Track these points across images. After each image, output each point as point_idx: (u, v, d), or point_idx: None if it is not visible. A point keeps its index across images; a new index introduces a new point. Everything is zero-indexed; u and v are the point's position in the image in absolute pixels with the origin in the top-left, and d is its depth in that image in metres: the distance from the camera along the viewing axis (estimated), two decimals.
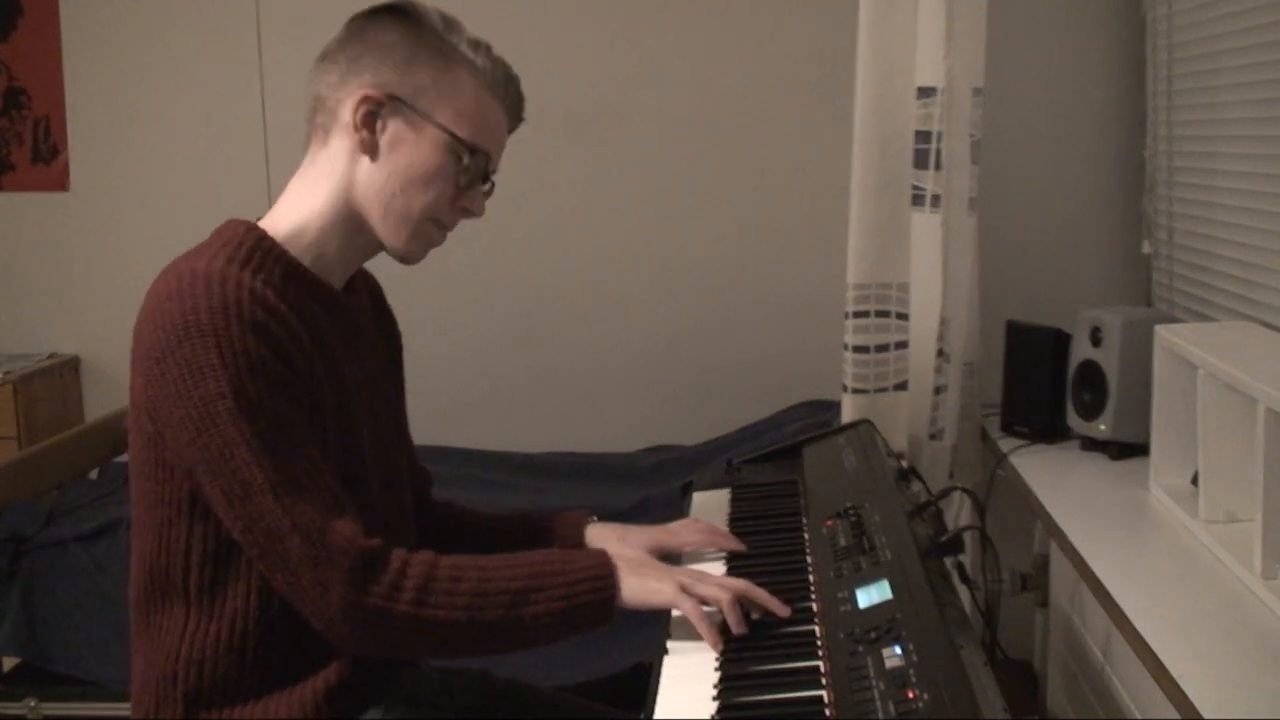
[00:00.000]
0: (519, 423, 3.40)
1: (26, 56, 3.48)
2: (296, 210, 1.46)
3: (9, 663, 2.73)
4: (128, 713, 1.47)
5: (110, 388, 3.48)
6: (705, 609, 1.40)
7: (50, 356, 3.50)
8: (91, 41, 3.45)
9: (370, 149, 1.43)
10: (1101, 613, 1.74)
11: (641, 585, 1.41)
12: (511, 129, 1.53)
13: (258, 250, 1.40)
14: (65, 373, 3.51)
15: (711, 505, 1.90)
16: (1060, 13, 2.90)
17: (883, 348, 2.44)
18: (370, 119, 1.42)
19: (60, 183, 3.52)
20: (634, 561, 1.45)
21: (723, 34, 3.28)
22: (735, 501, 1.90)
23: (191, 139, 3.41)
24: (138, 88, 3.42)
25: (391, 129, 1.43)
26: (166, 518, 1.38)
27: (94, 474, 3.20)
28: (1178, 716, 1.40)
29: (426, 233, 1.48)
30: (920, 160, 2.35)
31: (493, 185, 1.52)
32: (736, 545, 1.66)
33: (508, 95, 1.49)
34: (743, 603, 1.41)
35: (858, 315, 2.43)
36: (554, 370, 3.41)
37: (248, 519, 1.31)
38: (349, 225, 1.46)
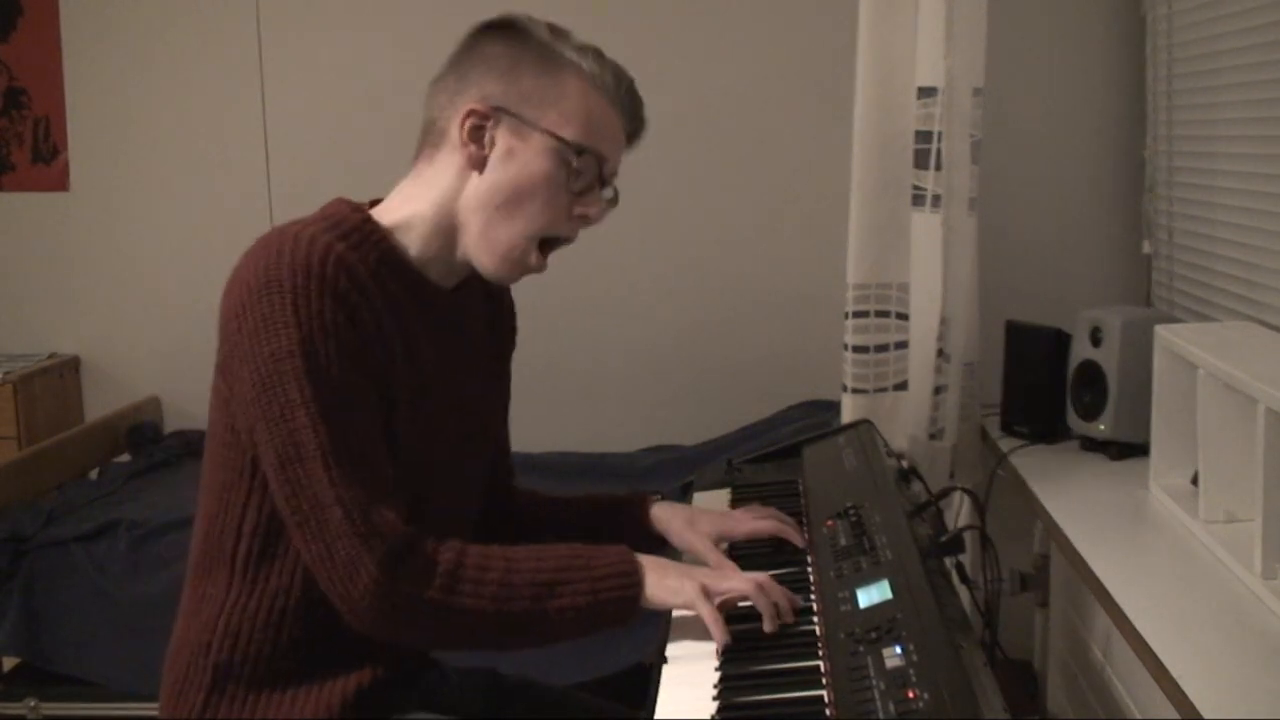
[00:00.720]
0: (519, 422, 3.37)
1: (26, 56, 3.48)
2: (403, 209, 1.45)
3: (9, 663, 2.74)
4: (127, 713, 1.47)
5: (110, 388, 3.48)
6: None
7: (50, 356, 3.50)
8: (91, 41, 3.45)
9: (479, 163, 1.42)
10: (1101, 613, 1.74)
11: (662, 585, 1.40)
12: (632, 133, 1.49)
13: (360, 229, 1.40)
14: (65, 373, 3.51)
15: (711, 505, 1.90)
16: (1060, 13, 2.90)
17: (883, 348, 2.44)
18: (477, 132, 1.41)
19: (60, 183, 3.52)
20: (656, 562, 1.44)
21: (723, 34, 3.28)
22: (735, 501, 1.89)
23: (191, 139, 3.41)
24: (138, 88, 3.42)
25: (500, 142, 1.42)
26: (228, 482, 1.38)
27: (94, 474, 3.20)
28: (1178, 716, 1.40)
29: (524, 253, 1.45)
30: (920, 160, 2.35)
31: (616, 194, 1.48)
32: (800, 539, 1.62)
33: (620, 97, 1.46)
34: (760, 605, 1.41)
35: (858, 315, 2.43)
36: (554, 370, 3.41)
37: (295, 483, 1.30)
38: (449, 238, 1.45)
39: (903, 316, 2.44)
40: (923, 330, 2.40)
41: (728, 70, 3.28)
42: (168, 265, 3.48)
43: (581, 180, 1.44)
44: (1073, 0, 2.90)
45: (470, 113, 1.41)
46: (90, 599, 2.61)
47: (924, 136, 2.34)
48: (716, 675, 1.32)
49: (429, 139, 1.46)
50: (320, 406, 1.29)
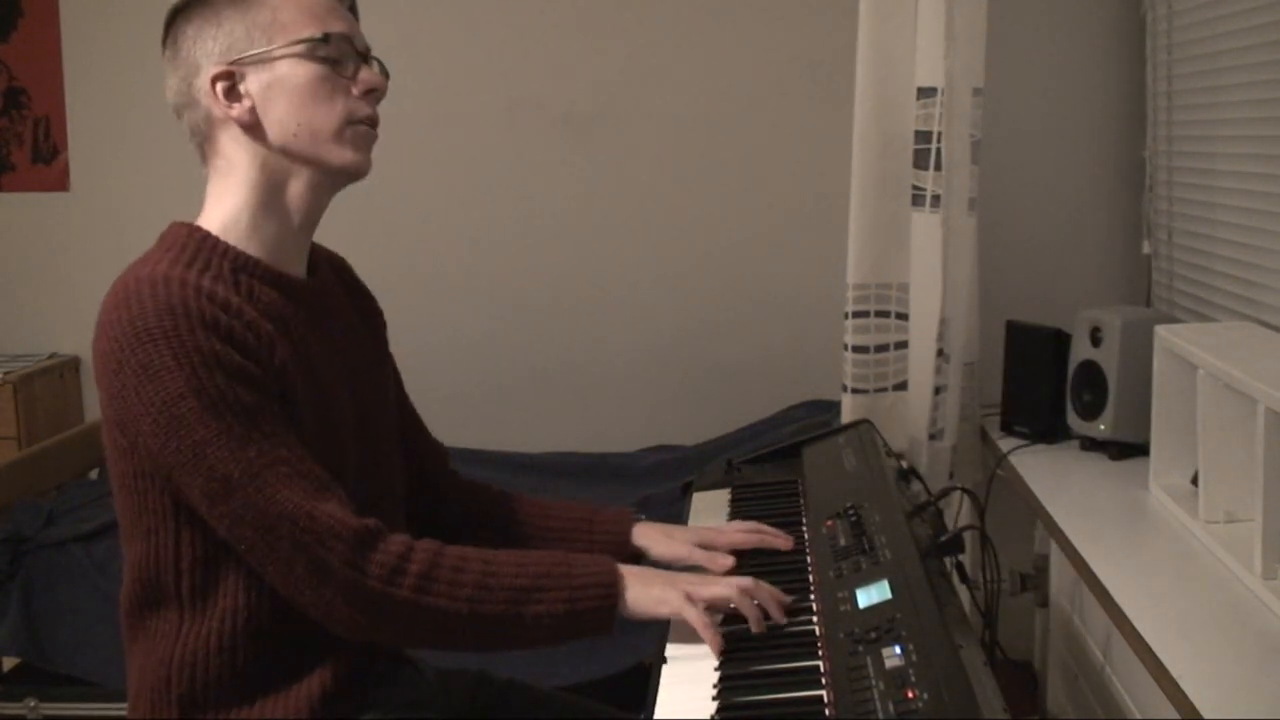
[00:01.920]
0: (519, 423, 3.40)
1: (26, 56, 3.48)
2: (220, 208, 1.45)
3: (9, 663, 2.73)
4: (127, 713, 1.47)
5: None
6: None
7: (50, 356, 3.50)
8: (91, 41, 3.45)
9: (250, 116, 1.42)
10: (1101, 613, 1.74)
11: (647, 595, 1.40)
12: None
13: (202, 249, 1.40)
14: (65, 373, 3.51)
15: (711, 505, 1.90)
16: (1060, 13, 2.90)
17: (883, 348, 2.44)
18: (231, 93, 1.42)
19: (60, 183, 3.52)
20: (640, 572, 1.45)
21: (723, 34, 3.28)
22: (735, 501, 1.90)
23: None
24: (138, 88, 3.42)
25: (255, 84, 1.42)
26: (151, 526, 1.37)
27: (94, 474, 3.20)
28: (1178, 716, 1.40)
29: (351, 136, 1.45)
30: (920, 160, 2.35)
31: (380, 65, 1.48)
32: (784, 542, 1.63)
33: None
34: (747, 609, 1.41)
35: (858, 315, 2.43)
36: (555, 370, 3.41)
37: (233, 515, 1.30)
38: (279, 197, 1.44)
39: (903, 316, 2.44)
40: (923, 330, 2.40)
41: (728, 70, 3.28)
42: None
43: (340, 64, 1.44)
44: (1073, 0, 2.90)
45: (213, 82, 1.42)
46: (90, 599, 2.60)
47: (924, 136, 2.34)
48: (716, 675, 1.32)
49: (200, 140, 1.47)
50: (229, 436, 1.29)
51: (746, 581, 1.43)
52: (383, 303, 1.68)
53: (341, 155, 1.44)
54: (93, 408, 3.51)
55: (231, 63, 1.42)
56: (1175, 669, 1.43)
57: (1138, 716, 1.78)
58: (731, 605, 1.41)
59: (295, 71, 1.42)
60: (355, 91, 1.45)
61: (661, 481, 2.90)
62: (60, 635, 2.61)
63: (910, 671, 1.19)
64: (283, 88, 1.42)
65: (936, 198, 2.34)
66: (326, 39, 1.43)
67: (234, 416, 1.30)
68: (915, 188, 2.37)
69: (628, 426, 3.34)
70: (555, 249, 3.39)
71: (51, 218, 3.53)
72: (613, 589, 1.39)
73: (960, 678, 1.16)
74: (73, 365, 3.53)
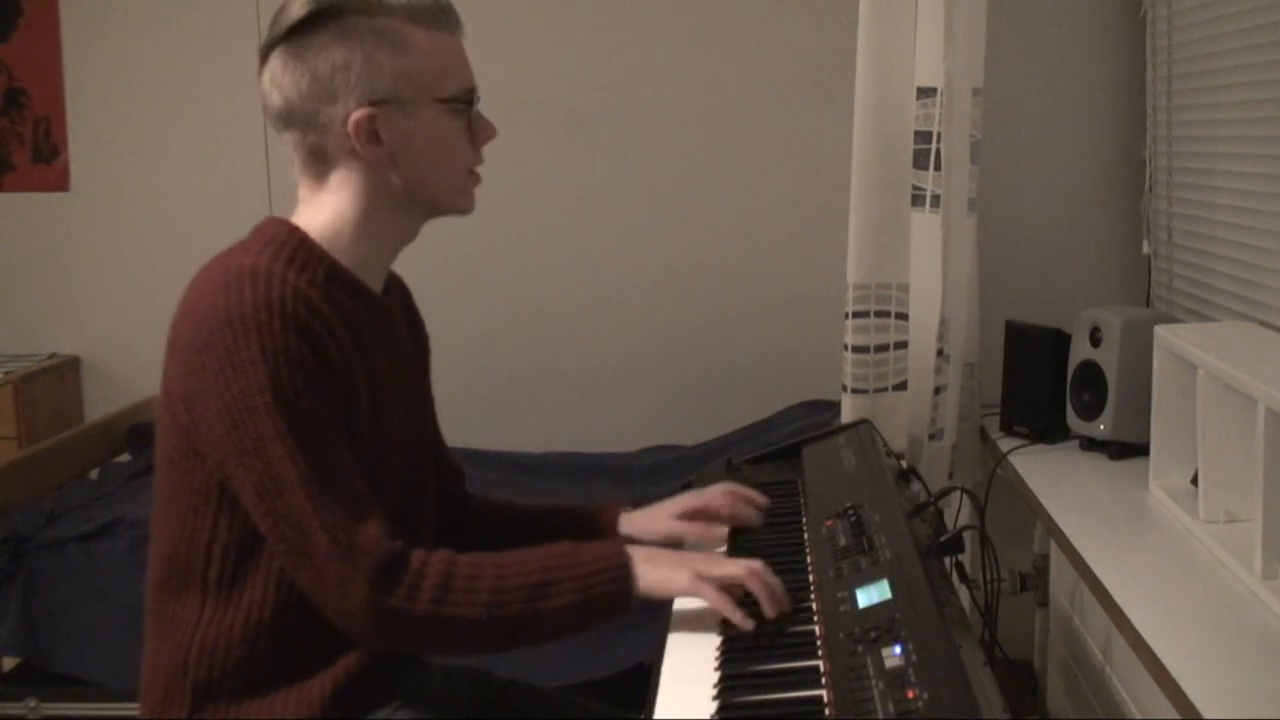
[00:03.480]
0: (519, 423, 3.40)
1: (26, 56, 3.48)
2: (324, 215, 1.46)
3: (9, 663, 2.73)
4: (128, 713, 1.47)
5: (110, 388, 3.48)
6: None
7: (50, 356, 3.50)
8: (91, 41, 3.45)
9: (385, 159, 1.44)
10: (1101, 613, 1.74)
11: (656, 574, 1.41)
12: (460, 32, 1.50)
13: (301, 250, 1.41)
14: (65, 373, 3.51)
15: None
16: (1060, 13, 2.90)
17: (882, 348, 2.44)
18: (372, 134, 1.42)
19: (60, 183, 3.52)
20: (648, 552, 1.45)
21: (724, 34, 3.28)
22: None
23: (191, 139, 3.42)
24: (138, 88, 3.43)
25: (392, 132, 1.43)
26: (192, 506, 1.38)
27: (94, 474, 3.20)
28: (1178, 716, 1.39)
29: (470, 185, 1.52)
30: (920, 160, 2.35)
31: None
32: (755, 514, 1.69)
33: (444, 17, 1.46)
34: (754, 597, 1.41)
35: (858, 315, 2.43)
36: (554, 370, 3.41)
37: (277, 514, 1.32)
38: (385, 222, 1.47)
39: (903, 316, 2.44)
40: (922, 330, 2.40)
41: (728, 71, 3.29)
42: (168, 265, 3.45)
43: (471, 118, 1.48)
44: (1073, 0, 2.90)
45: (358, 124, 1.41)
46: (90, 599, 2.60)
47: (924, 137, 2.34)
48: (716, 675, 1.32)
49: (315, 157, 1.45)
50: (294, 438, 1.31)
51: (756, 564, 1.43)
52: None
53: (459, 203, 1.51)
54: (93, 408, 3.52)
55: (374, 104, 1.41)
56: (1175, 669, 1.43)
57: (1138, 716, 1.78)
58: (743, 587, 1.42)
59: (437, 124, 1.45)
60: (476, 143, 1.49)
61: (661, 481, 2.90)
62: (60, 635, 2.60)
63: (910, 671, 1.19)
64: (424, 139, 1.45)
65: (936, 198, 2.34)
66: (466, 99, 1.46)
67: (303, 420, 1.32)
68: (915, 188, 2.37)
69: (628, 426, 3.34)
70: (555, 249, 3.39)
71: (51, 218, 3.53)
72: (624, 570, 1.40)
73: (960, 678, 1.16)
74: (73, 365, 3.53)
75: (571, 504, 1.77)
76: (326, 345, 1.36)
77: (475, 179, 1.52)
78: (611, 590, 1.39)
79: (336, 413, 1.37)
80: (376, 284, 1.50)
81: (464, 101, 1.46)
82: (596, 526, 1.70)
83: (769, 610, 1.40)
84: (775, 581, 1.43)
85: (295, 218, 1.47)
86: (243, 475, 1.33)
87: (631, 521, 1.69)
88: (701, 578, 1.40)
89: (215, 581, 1.39)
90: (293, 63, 1.42)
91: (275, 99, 1.44)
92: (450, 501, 1.70)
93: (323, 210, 1.46)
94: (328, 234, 1.45)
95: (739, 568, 1.43)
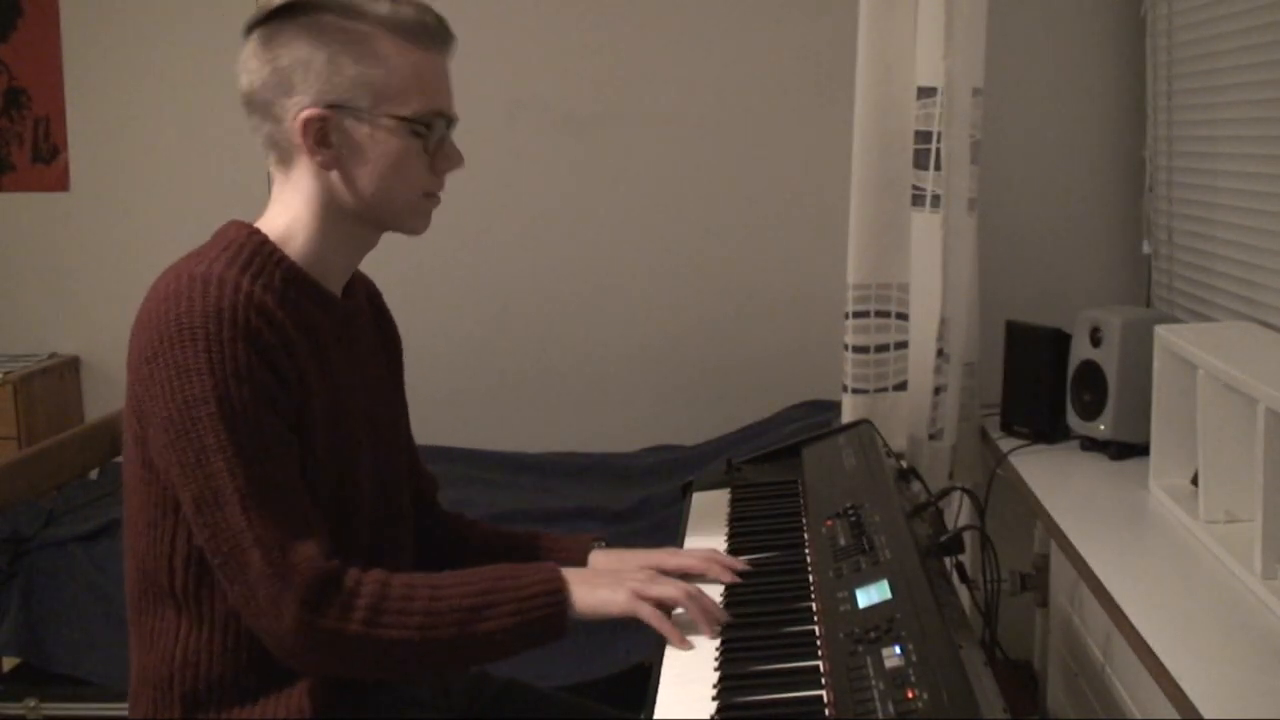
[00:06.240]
0: (519, 423, 3.40)
1: (26, 56, 3.48)
2: (283, 217, 1.45)
3: (9, 663, 2.73)
4: (127, 713, 1.47)
5: (110, 388, 3.48)
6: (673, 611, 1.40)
7: (50, 356, 3.50)
8: (91, 41, 3.45)
9: (333, 163, 1.41)
10: (1101, 613, 1.74)
11: (593, 596, 1.40)
12: (447, 53, 1.46)
13: (259, 254, 1.40)
14: (65, 373, 3.51)
15: (711, 505, 1.90)
16: (1060, 13, 2.90)
17: (883, 348, 2.44)
18: (322, 136, 1.40)
19: (60, 183, 3.52)
20: (585, 574, 1.46)
21: (723, 34, 3.28)
22: (735, 501, 1.90)
23: (191, 139, 3.41)
24: (138, 88, 3.42)
25: (343, 139, 1.40)
26: (152, 519, 1.38)
27: (94, 474, 3.19)
28: (1178, 716, 1.40)
29: (423, 207, 1.47)
30: (920, 160, 2.35)
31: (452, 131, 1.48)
32: (732, 576, 1.56)
33: (427, 34, 1.42)
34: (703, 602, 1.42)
35: (858, 315, 2.43)
36: (554, 370, 3.41)
37: (213, 526, 1.30)
38: (336, 228, 1.45)
39: (903, 316, 2.44)
40: (923, 330, 2.40)
41: (728, 71, 3.28)
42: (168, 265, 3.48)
43: (434, 139, 1.44)
44: (1073, 0, 2.90)
45: (306, 122, 1.39)
46: (90, 599, 2.60)
47: (924, 136, 2.34)
48: (716, 675, 1.32)
49: (272, 148, 1.45)
50: (236, 451, 1.30)
51: (694, 588, 1.44)
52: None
53: (407, 223, 1.47)
54: (93, 408, 3.52)
55: (328, 106, 1.39)
56: (1175, 669, 1.43)
57: (1138, 716, 1.78)
58: (678, 610, 1.42)
59: (389, 141, 1.41)
60: (436, 168, 1.45)
61: (661, 481, 2.90)
62: (60, 635, 2.61)
63: (910, 671, 1.19)
64: (373, 152, 1.41)
65: (936, 198, 2.34)
66: (430, 120, 1.42)
67: (247, 433, 1.31)
68: (915, 188, 2.37)
69: (628, 426, 3.34)
70: (555, 249, 3.39)
71: (51, 218, 3.53)
72: (558, 594, 1.39)
73: (960, 678, 1.16)
74: (73, 365, 3.53)
75: (539, 535, 1.71)
76: (277, 355, 1.34)
77: (432, 201, 1.47)
78: (547, 614, 1.38)
79: (284, 425, 1.34)
80: (336, 286, 1.48)
81: (424, 124, 1.42)
82: (558, 560, 1.63)
83: (706, 631, 1.40)
84: (710, 604, 1.43)
85: (261, 218, 1.46)
86: (184, 486, 1.31)
87: (601, 561, 1.63)
88: (639, 597, 1.40)
89: (183, 594, 1.38)
90: (261, 49, 1.41)
91: (242, 81, 1.44)
92: (421, 511, 1.67)
93: (285, 211, 1.45)
94: (285, 236, 1.44)
95: (676, 590, 1.42)
